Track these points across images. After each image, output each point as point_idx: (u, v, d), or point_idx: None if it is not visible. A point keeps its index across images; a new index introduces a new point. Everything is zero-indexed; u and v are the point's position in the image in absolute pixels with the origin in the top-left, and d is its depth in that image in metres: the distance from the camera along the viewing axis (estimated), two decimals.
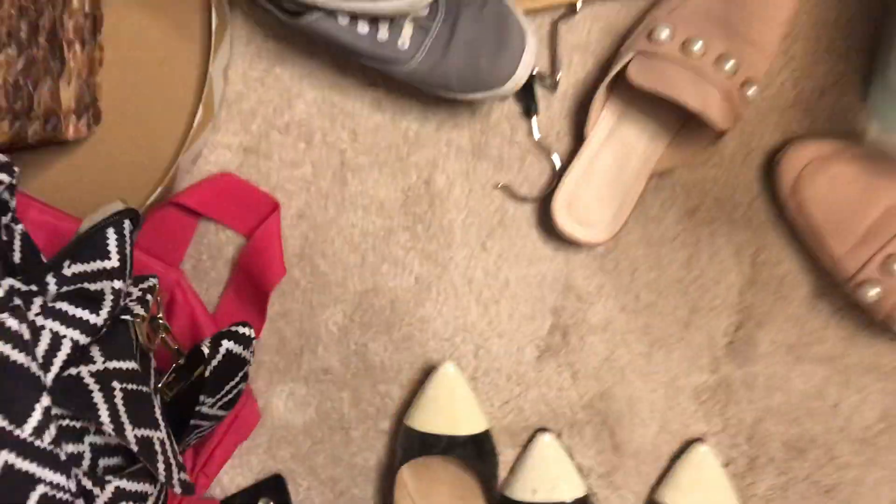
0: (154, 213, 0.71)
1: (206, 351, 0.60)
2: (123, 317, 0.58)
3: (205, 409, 0.64)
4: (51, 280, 0.57)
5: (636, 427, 0.73)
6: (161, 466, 0.57)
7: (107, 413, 0.55)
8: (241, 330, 0.62)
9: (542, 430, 0.74)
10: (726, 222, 0.70)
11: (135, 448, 0.55)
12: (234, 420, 0.74)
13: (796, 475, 0.72)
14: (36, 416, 0.52)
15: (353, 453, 0.76)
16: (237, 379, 0.64)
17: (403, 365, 0.75)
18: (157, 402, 0.59)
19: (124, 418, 0.55)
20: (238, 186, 0.74)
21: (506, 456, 0.75)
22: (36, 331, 0.54)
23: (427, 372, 0.74)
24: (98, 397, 0.55)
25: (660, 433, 0.73)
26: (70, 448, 0.56)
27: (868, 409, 0.71)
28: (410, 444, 0.72)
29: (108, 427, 0.54)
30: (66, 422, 0.55)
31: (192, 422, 0.64)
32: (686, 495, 0.71)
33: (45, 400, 0.52)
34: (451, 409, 0.72)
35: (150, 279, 0.63)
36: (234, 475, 0.78)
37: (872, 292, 0.63)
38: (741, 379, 0.72)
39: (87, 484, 0.55)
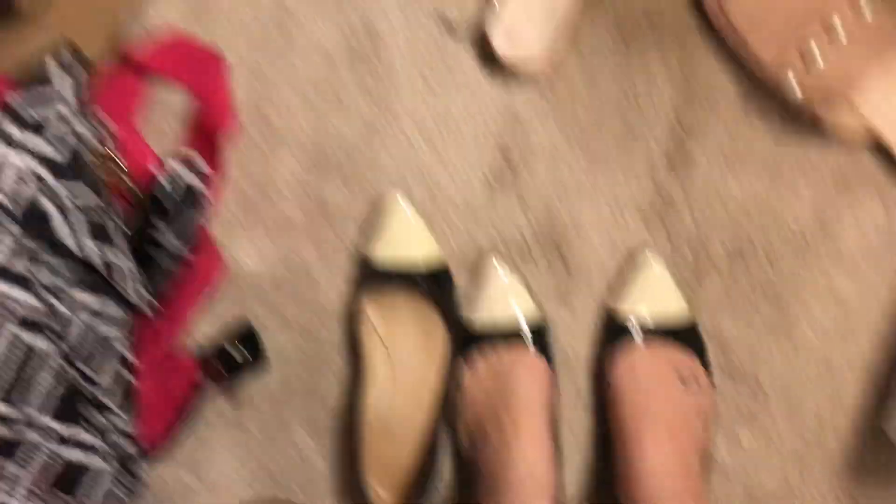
0: (104, 75, 0.72)
1: (164, 183, 0.62)
2: (81, 153, 0.60)
3: (164, 242, 0.66)
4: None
5: (585, 246, 0.77)
6: (131, 290, 0.60)
7: (73, 241, 0.57)
8: (197, 162, 0.64)
9: (497, 260, 0.77)
10: (657, 39, 0.73)
11: (103, 270, 0.57)
12: (200, 270, 0.76)
13: (738, 278, 0.76)
14: (7, 243, 0.54)
15: (319, 297, 0.79)
16: (195, 211, 0.66)
17: (359, 205, 0.78)
18: (121, 235, 0.62)
19: (91, 244, 0.58)
20: (183, 42, 0.75)
21: (463, 285, 0.79)
22: None
23: (381, 210, 0.77)
24: (62, 227, 0.57)
25: (609, 249, 0.77)
26: (43, 278, 0.58)
27: (801, 208, 0.75)
28: (371, 280, 0.76)
29: (76, 250, 0.57)
30: (35, 253, 0.58)
31: (154, 255, 0.66)
32: (638, 301, 0.75)
33: (15, 229, 0.55)
34: (407, 241, 0.75)
35: (106, 122, 0.64)
36: (205, 327, 0.81)
37: (795, 84, 0.66)
38: (680, 190, 0.75)
39: (59, 305, 0.58)
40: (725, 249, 0.76)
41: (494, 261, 0.76)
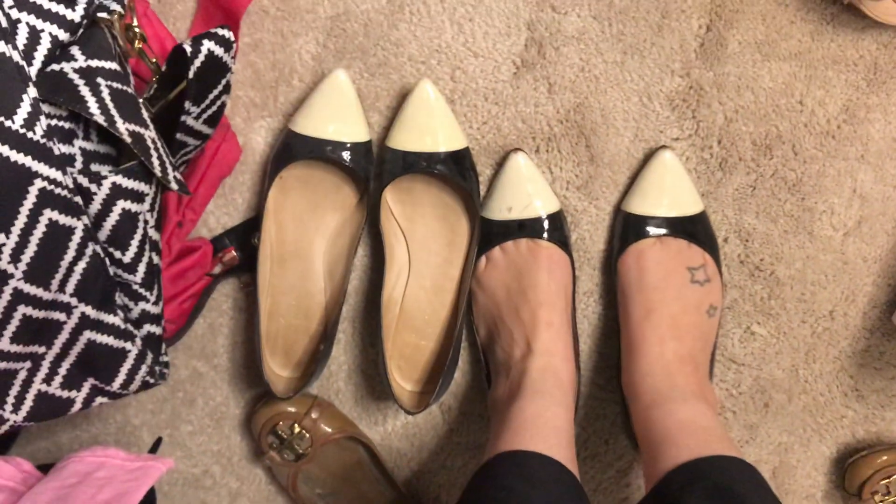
0: None
1: (188, 49, 0.59)
2: (100, 14, 0.57)
3: (189, 122, 0.64)
4: None
5: (611, 137, 0.75)
6: (156, 161, 0.58)
7: (96, 105, 0.54)
8: (221, 32, 0.61)
9: (516, 149, 0.75)
10: None
11: (128, 139, 0.55)
12: (216, 154, 0.74)
13: (764, 172, 0.75)
14: (25, 108, 0.51)
15: None
16: (220, 87, 0.63)
17: (380, 91, 0.75)
18: (143, 106, 0.59)
19: (114, 112, 0.55)
20: None
21: (485, 177, 0.77)
22: (13, 23, 0.53)
23: (404, 96, 0.74)
24: (85, 91, 0.54)
25: (634, 141, 0.75)
26: (63, 148, 0.55)
27: (831, 102, 0.74)
28: (392, 165, 0.74)
29: (100, 118, 0.54)
30: (54, 121, 0.55)
31: (178, 136, 0.64)
32: (652, 201, 0.75)
33: (32, 91, 0.52)
34: (429, 126, 0.72)
35: None
36: (220, 215, 0.79)
37: None
38: (712, 80, 0.74)
39: (83, 181, 0.56)
40: (754, 143, 0.75)
41: (516, 154, 0.75)
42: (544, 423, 0.65)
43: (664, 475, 0.60)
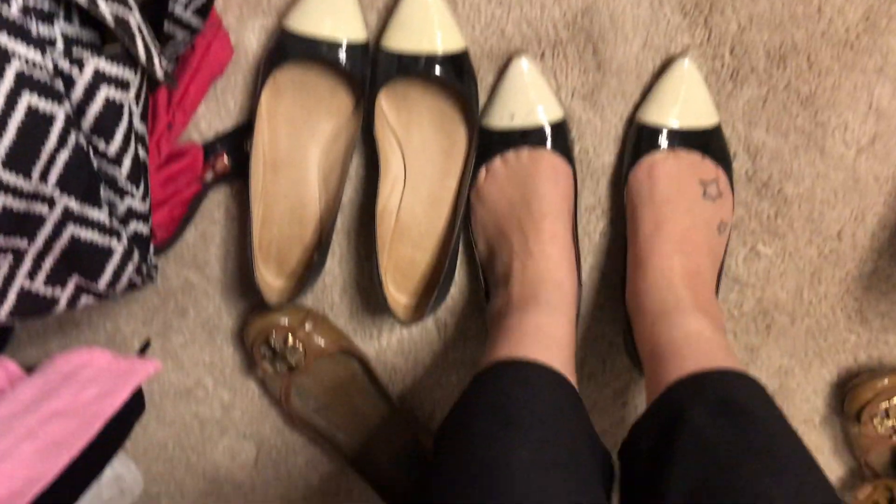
0: None
1: None
2: None
3: (178, 11, 0.61)
4: None
5: (620, 43, 0.72)
6: (141, 48, 0.55)
7: None
8: None
9: (519, 54, 0.72)
10: None
11: (111, 23, 0.52)
12: (206, 52, 0.71)
13: (776, 84, 0.72)
14: None
15: None
16: None
17: None
18: None
19: None
20: None
21: (486, 84, 0.74)
22: None
23: None
24: None
25: (644, 48, 0.72)
26: (42, 30, 0.52)
27: (851, 9, 0.70)
28: (387, 67, 0.71)
29: (84, 3, 0.51)
30: (31, 1, 0.52)
31: (165, 26, 0.61)
32: (667, 112, 0.72)
33: None
34: (427, 26, 0.69)
35: None
36: (212, 119, 0.76)
37: None
38: None
39: (64, 65, 0.53)
40: (767, 53, 0.72)
41: (519, 59, 0.72)
42: (545, 334, 0.64)
43: (668, 386, 0.58)
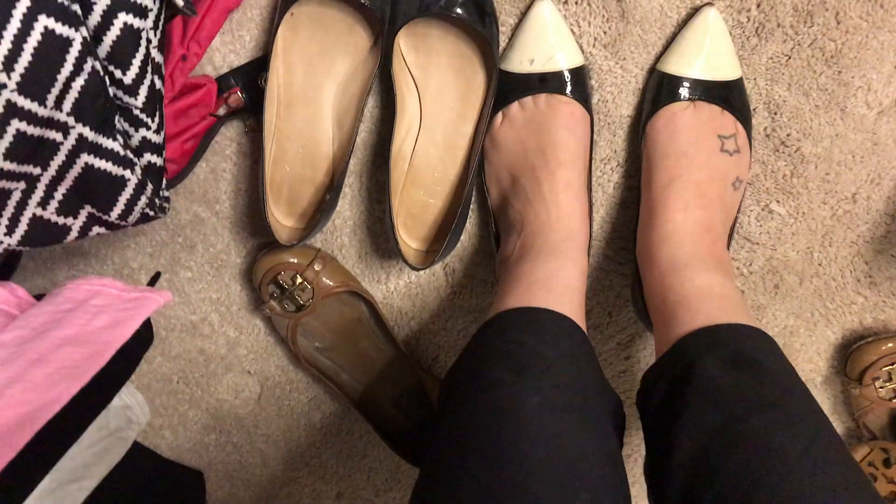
0: None
1: None
2: None
3: None
4: None
5: None
6: None
7: None
8: None
9: None
10: None
11: None
12: None
13: (802, 41, 0.71)
14: None
15: None
16: None
17: None
18: None
19: None
20: None
21: (507, 27, 0.73)
22: None
23: None
24: None
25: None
26: None
27: None
28: (407, 6, 0.69)
29: None
30: None
31: None
32: (690, 62, 0.71)
33: None
34: None
35: None
36: (227, 53, 0.75)
37: None
38: None
39: None
40: (795, 8, 0.70)
41: (542, 1, 0.70)
42: (557, 283, 0.64)
43: (680, 338, 0.58)
